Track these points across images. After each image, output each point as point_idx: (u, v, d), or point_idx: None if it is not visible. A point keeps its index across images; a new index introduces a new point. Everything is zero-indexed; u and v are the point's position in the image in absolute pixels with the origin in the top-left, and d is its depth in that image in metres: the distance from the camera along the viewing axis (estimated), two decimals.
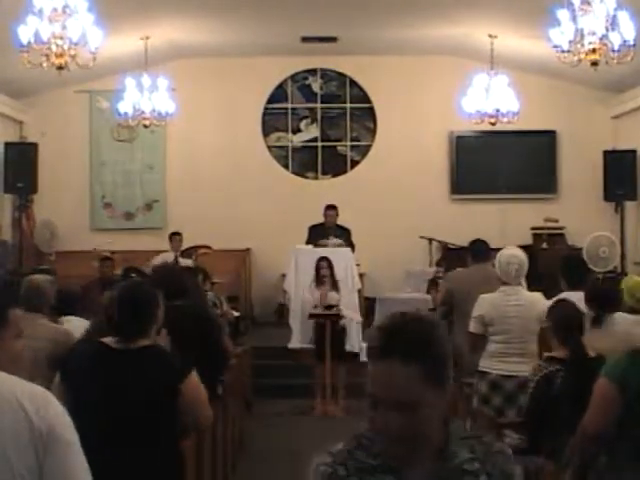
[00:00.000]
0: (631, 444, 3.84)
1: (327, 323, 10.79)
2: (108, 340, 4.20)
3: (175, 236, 13.48)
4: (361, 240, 13.02)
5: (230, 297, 12.02)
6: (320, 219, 12.94)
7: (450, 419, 2.20)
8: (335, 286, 11.29)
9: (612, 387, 3.94)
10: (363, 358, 11.23)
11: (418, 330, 2.13)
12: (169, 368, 4.13)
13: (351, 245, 12.58)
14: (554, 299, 5.82)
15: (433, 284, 10.67)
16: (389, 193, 15.45)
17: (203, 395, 4.25)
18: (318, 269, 11.29)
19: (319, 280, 11.25)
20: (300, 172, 16.03)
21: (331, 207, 12.88)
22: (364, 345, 11.58)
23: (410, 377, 2.07)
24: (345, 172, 16.01)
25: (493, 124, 13.24)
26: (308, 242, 12.62)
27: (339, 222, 12.91)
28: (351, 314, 11.68)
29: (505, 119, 13.14)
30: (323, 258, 11.37)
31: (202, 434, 5.24)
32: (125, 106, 13.07)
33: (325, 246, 12.24)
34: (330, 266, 11.29)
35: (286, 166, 16.01)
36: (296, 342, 11.84)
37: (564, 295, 6.03)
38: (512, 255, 6.57)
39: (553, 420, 4.55)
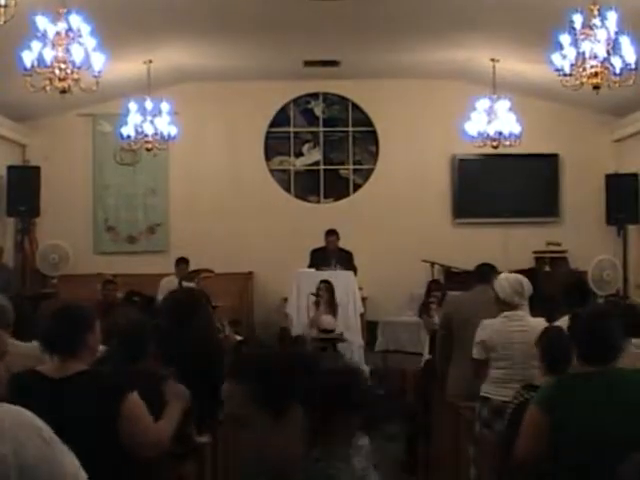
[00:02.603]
0: (565, 472, 3.86)
1: (327, 348, 10.78)
2: (43, 368, 4.14)
3: (181, 263, 13.45)
4: (363, 263, 13.12)
5: (232, 321, 11.90)
6: (322, 243, 13.03)
7: (314, 453, 2.26)
8: (333, 310, 11.31)
9: (540, 414, 3.98)
10: None
11: (261, 359, 2.30)
12: (103, 395, 4.00)
13: (353, 268, 12.61)
14: (546, 326, 5.76)
15: (425, 308, 10.57)
16: (391, 216, 15.44)
17: (144, 420, 4.09)
18: (318, 291, 11.36)
19: (318, 303, 11.33)
20: (302, 196, 16.02)
21: (331, 232, 12.97)
22: (367, 369, 11.59)
23: (240, 397, 2.24)
24: (347, 195, 15.97)
25: (495, 147, 13.23)
26: (310, 266, 12.65)
27: (341, 245, 12.98)
28: (353, 338, 11.72)
29: (507, 142, 13.13)
30: (324, 281, 11.40)
31: (202, 461, 5.19)
32: (128, 130, 13.06)
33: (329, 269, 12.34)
34: (330, 289, 11.34)
35: (288, 190, 15.99)
36: None
37: (565, 319, 6.01)
38: (517, 275, 6.56)
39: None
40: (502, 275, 6.59)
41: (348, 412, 2.30)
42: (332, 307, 11.41)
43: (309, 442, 2.24)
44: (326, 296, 11.37)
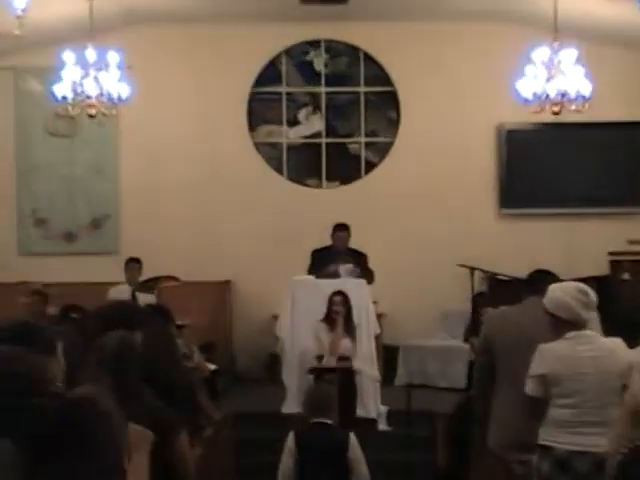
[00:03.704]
0: None
1: (334, 381, 10.77)
2: None
3: (132, 263, 13.49)
4: (380, 270, 12.98)
5: (205, 345, 12.13)
6: (325, 241, 12.98)
7: None
8: (350, 331, 11.51)
9: None
10: (382, 426, 11.59)
11: None
12: None
13: (369, 276, 12.57)
14: None
15: (474, 330, 10.65)
16: (416, 207, 15.51)
17: None
18: (330, 306, 11.44)
19: (330, 321, 11.44)
20: (298, 178, 16.02)
21: (341, 227, 12.94)
22: (384, 410, 11.83)
23: None
24: (358, 178, 15.97)
25: (557, 113, 13.08)
26: (311, 272, 12.65)
27: (351, 245, 12.98)
28: (366, 368, 11.71)
29: (573, 107, 12.99)
30: (338, 292, 11.50)
31: None
32: (63, 89, 12.84)
33: (335, 276, 12.34)
34: (346, 303, 11.47)
35: (280, 170, 15.99)
36: (292, 405, 11.69)
37: None
38: (574, 283, 6.44)
39: None
40: (555, 287, 6.43)
41: (75, 453, 2.31)
42: (349, 327, 11.58)
43: None
44: (343, 312, 11.50)
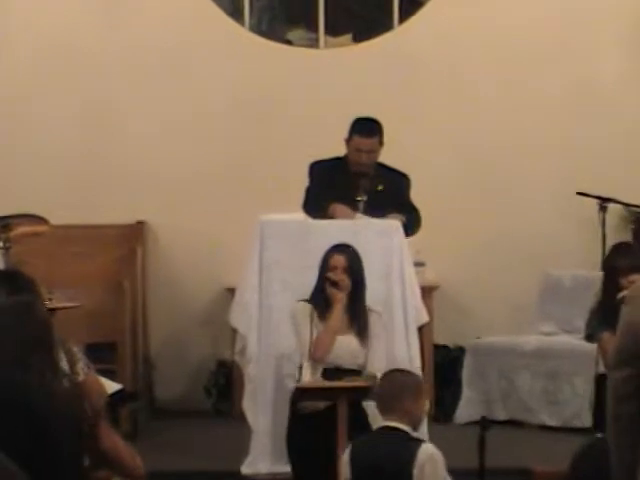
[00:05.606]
0: None
1: (341, 409, 9.94)
2: None
3: None
4: (428, 206, 12.23)
5: (98, 346, 12.28)
6: (324, 151, 12.12)
7: None
8: (358, 322, 10.62)
9: None
10: None
11: None
12: None
13: (412, 219, 11.73)
14: None
15: (604, 318, 9.86)
16: (491, 87, 14.84)
17: None
18: (325, 272, 10.51)
19: (322, 301, 10.52)
20: (272, 30, 15.47)
21: (367, 126, 11.86)
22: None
23: None
24: (388, 29, 15.17)
25: None
26: (307, 204, 11.81)
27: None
28: None
29: None
30: (341, 247, 10.53)
31: None
32: None
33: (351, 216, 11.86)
34: (354, 269, 10.49)
35: (237, 14, 15.27)
36: (263, 459, 11.14)
37: None
38: None
39: None
40: None
41: None
42: (356, 314, 10.49)
43: None
44: (347, 285, 10.37)
